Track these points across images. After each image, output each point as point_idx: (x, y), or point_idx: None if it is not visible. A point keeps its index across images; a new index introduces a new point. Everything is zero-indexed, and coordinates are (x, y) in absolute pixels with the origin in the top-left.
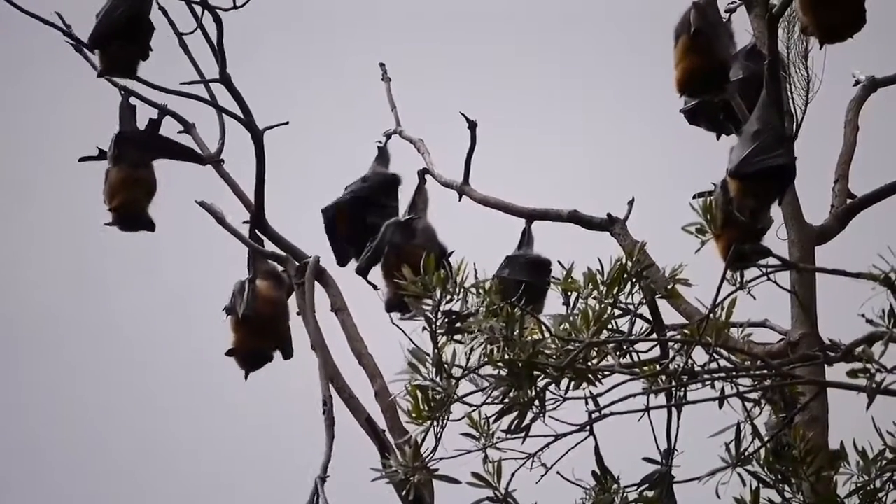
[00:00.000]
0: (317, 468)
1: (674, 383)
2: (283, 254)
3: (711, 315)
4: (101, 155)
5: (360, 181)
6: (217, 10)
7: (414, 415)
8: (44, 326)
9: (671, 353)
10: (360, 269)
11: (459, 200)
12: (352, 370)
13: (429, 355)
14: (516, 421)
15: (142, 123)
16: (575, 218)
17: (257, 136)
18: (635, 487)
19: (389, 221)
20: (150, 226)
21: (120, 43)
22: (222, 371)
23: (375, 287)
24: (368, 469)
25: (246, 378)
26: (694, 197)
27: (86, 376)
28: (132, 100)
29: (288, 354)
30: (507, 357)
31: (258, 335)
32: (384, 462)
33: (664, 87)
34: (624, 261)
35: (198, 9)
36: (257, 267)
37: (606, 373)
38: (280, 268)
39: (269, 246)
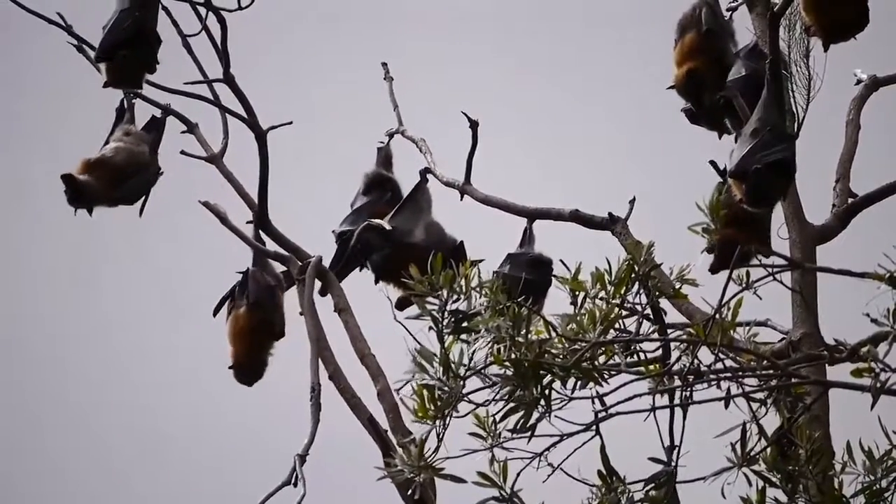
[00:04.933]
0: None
1: (679, 383)
2: (286, 253)
3: (717, 315)
4: None
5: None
6: (221, 12)
7: (420, 414)
8: (43, 326)
9: (675, 354)
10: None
11: (461, 200)
12: (354, 370)
13: (436, 355)
14: (522, 420)
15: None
16: (576, 217)
17: (261, 136)
18: (641, 487)
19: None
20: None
21: (126, 54)
22: (222, 370)
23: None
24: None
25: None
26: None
27: (85, 376)
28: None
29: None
30: (513, 356)
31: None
32: (388, 462)
33: (665, 85)
34: (632, 261)
35: (202, 10)
36: (273, 273)
37: (612, 372)
38: (282, 268)
39: (272, 246)
